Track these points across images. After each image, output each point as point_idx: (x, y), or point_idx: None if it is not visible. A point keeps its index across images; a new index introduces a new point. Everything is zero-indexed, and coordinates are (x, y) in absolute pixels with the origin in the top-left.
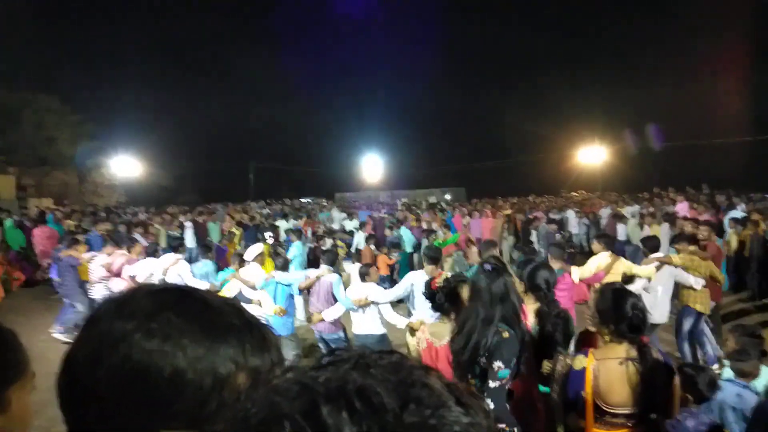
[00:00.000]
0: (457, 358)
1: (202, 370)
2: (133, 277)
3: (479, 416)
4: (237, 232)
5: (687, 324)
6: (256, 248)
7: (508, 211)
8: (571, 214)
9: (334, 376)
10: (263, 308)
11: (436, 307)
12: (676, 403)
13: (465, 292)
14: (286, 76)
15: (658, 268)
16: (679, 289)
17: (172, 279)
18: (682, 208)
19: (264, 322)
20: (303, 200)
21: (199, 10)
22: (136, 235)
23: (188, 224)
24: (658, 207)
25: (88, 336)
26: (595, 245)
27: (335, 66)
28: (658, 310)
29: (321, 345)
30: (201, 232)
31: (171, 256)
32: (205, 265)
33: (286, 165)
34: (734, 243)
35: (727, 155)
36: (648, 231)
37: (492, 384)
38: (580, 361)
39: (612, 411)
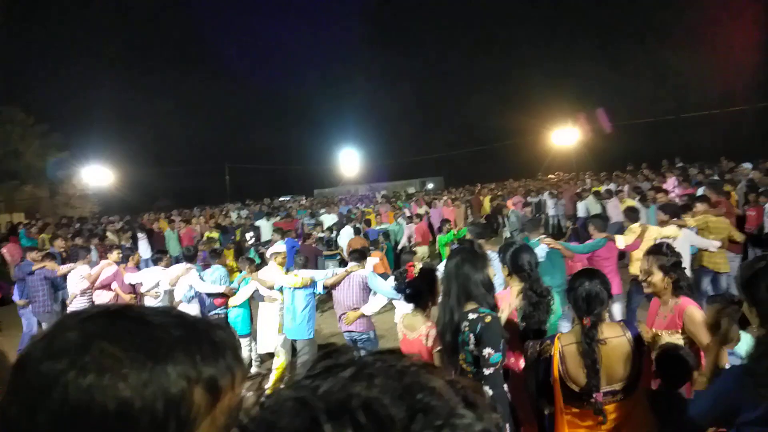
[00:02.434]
0: (443, 341)
1: (151, 395)
2: (134, 286)
3: (489, 418)
4: (215, 235)
5: (705, 283)
6: (276, 247)
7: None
8: (547, 197)
9: (335, 387)
10: (292, 282)
11: (409, 298)
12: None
13: (438, 283)
14: (258, 76)
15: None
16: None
17: (182, 289)
18: (671, 183)
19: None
20: (282, 199)
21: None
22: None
23: (141, 235)
24: (632, 183)
25: (17, 385)
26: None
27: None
28: None
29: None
30: (158, 242)
31: (181, 266)
32: (216, 269)
33: (262, 164)
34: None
35: (698, 129)
36: (614, 206)
37: (487, 371)
38: (549, 346)
39: (579, 393)
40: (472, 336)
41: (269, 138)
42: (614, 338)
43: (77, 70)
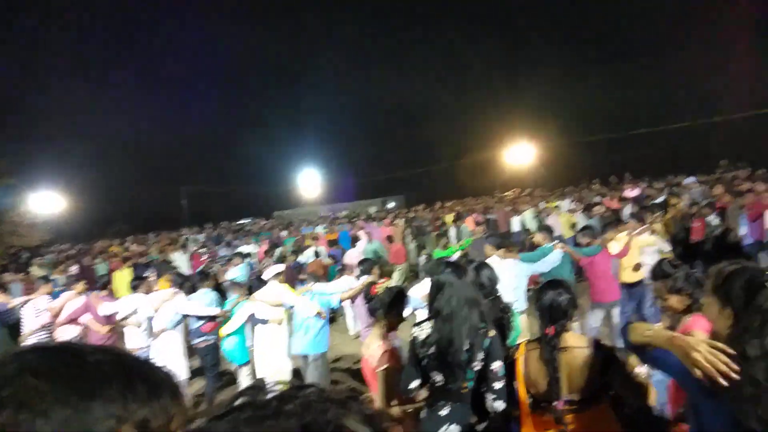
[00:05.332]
0: (445, 359)
1: None
2: (109, 317)
3: None
4: (126, 272)
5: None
6: (276, 268)
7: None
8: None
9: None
10: (306, 311)
11: (370, 312)
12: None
13: (401, 305)
14: (215, 96)
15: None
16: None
17: (167, 316)
18: (636, 191)
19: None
20: (241, 222)
21: (116, 24)
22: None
23: (74, 269)
24: (586, 199)
25: None
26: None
27: (265, 81)
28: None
29: None
30: (89, 276)
31: (166, 291)
32: (206, 293)
33: (220, 187)
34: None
35: (645, 146)
36: (551, 221)
37: (498, 385)
38: (514, 351)
39: (542, 400)
40: (480, 353)
41: (227, 159)
42: (577, 348)
43: (19, 93)
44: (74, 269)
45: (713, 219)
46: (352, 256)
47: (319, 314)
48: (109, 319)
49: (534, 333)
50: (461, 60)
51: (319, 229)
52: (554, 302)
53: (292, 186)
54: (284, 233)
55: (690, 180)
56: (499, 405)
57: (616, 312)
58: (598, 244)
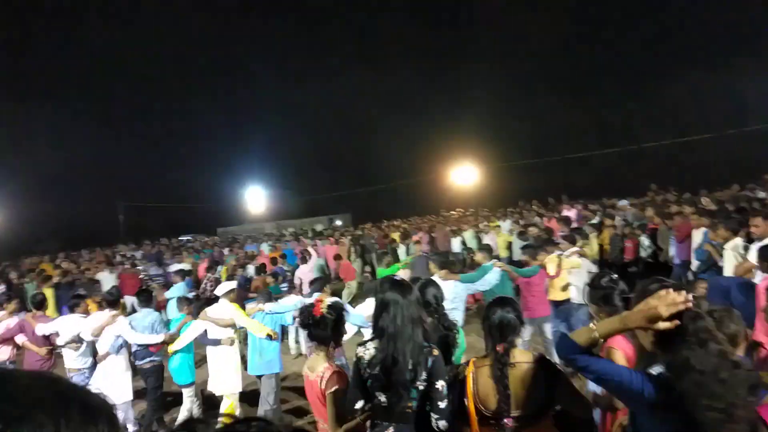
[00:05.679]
0: (390, 378)
1: None
2: (47, 337)
3: None
4: (47, 292)
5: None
6: (228, 285)
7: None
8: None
9: None
10: (256, 332)
11: (313, 336)
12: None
13: (343, 322)
14: (155, 108)
15: None
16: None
17: (108, 339)
18: (573, 213)
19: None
20: (182, 238)
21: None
22: None
23: (1, 287)
24: (527, 219)
25: None
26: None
27: (209, 95)
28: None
29: None
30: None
31: (105, 314)
32: (147, 314)
33: (160, 202)
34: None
35: (580, 168)
36: (489, 240)
37: (442, 404)
38: (464, 368)
39: (492, 416)
40: (423, 372)
41: (168, 174)
42: (525, 364)
43: None
44: (1, 288)
45: (645, 240)
46: (304, 272)
47: (270, 336)
48: (46, 339)
49: (479, 350)
50: (407, 81)
51: (264, 247)
52: (504, 319)
53: (237, 202)
54: (226, 251)
55: (623, 202)
56: (444, 425)
57: (547, 327)
58: (536, 264)
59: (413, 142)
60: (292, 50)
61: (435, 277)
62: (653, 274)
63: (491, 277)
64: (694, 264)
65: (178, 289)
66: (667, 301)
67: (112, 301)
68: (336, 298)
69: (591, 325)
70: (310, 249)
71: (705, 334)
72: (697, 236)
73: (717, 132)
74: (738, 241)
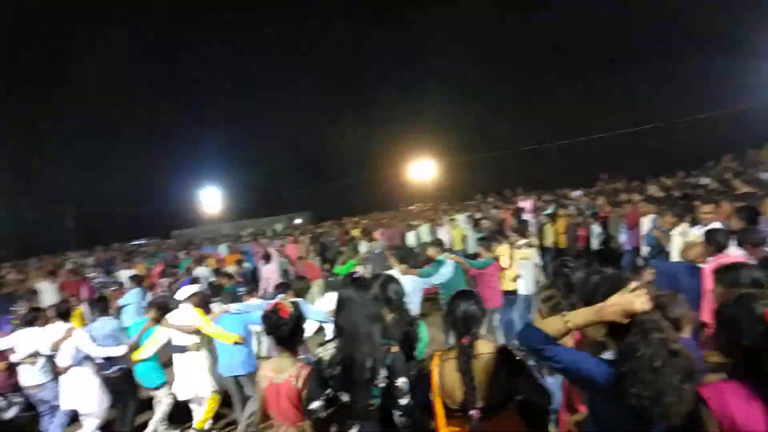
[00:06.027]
0: (351, 377)
1: None
2: (4, 353)
3: None
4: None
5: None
6: (190, 289)
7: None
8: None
9: None
10: (222, 340)
11: (279, 339)
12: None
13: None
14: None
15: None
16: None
17: (68, 352)
18: (529, 204)
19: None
20: (136, 242)
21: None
22: None
23: None
24: (484, 212)
25: None
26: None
27: (161, 93)
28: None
29: None
30: None
31: (59, 328)
32: (106, 323)
33: (112, 206)
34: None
35: (535, 161)
36: (444, 233)
37: (404, 401)
38: (428, 363)
39: (457, 409)
40: (383, 369)
41: (120, 177)
42: (488, 354)
43: None
44: None
45: (596, 228)
46: (269, 271)
47: (236, 342)
48: (2, 355)
49: (440, 342)
50: (362, 76)
51: (222, 248)
52: (468, 312)
53: (193, 204)
54: (182, 253)
55: (577, 193)
56: (407, 421)
57: (496, 317)
58: (490, 257)
59: (372, 137)
60: (248, 46)
61: (394, 272)
62: (605, 261)
63: (446, 270)
64: (644, 250)
65: (133, 295)
66: (642, 298)
67: (63, 313)
68: (298, 299)
69: (567, 317)
70: (272, 249)
71: (650, 324)
72: (646, 223)
73: (664, 122)
74: (684, 226)
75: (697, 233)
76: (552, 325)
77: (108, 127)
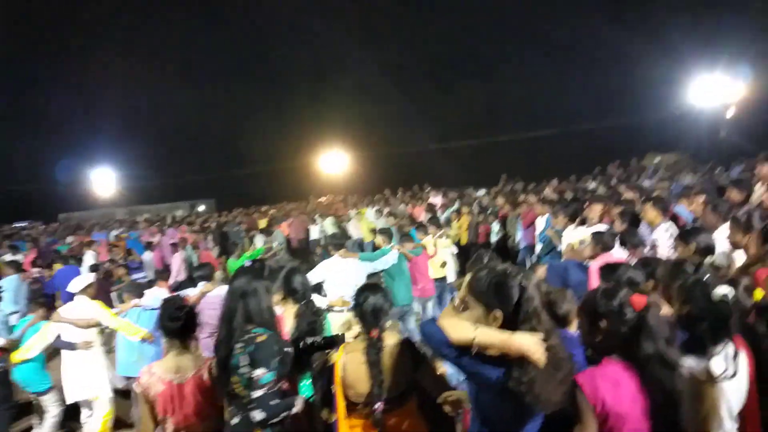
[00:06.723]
0: (219, 366)
1: None
2: None
3: None
4: None
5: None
6: (84, 279)
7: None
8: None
9: None
10: (128, 335)
11: (172, 333)
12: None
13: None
14: None
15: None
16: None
17: None
18: (439, 199)
19: None
20: (17, 225)
21: None
22: None
23: None
24: (393, 206)
25: None
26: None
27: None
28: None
29: None
30: None
31: None
32: None
33: None
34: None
35: (442, 160)
36: (353, 226)
37: (256, 393)
38: (333, 356)
39: (360, 402)
40: (245, 358)
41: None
42: (394, 346)
43: None
44: None
45: (495, 225)
46: (177, 261)
47: (144, 339)
48: None
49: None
50: (276, 63)
51: (113, 235)
52: (376, 305)
53: (84, 185)
54: (70, 239)
55: (481, 192)
56: (258, 414)
57: (430, 305)
58: (419, 247)
59: (283, 126)
60: (162, 28)
61: (336, 257)
62: (502, 257)
63: (390, 258)
64: (538, 248)
65: (10, 281)
66: (539, 354)
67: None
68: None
69: (473, 328)
70: (178, 238)
71: (534, 321)
72: (541, 223)
73: (562, 128)
74: (574, 227)
75: (584, 234)
76: (459, 331)
77: None
